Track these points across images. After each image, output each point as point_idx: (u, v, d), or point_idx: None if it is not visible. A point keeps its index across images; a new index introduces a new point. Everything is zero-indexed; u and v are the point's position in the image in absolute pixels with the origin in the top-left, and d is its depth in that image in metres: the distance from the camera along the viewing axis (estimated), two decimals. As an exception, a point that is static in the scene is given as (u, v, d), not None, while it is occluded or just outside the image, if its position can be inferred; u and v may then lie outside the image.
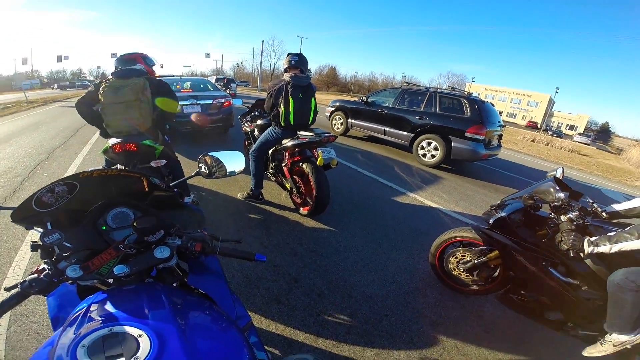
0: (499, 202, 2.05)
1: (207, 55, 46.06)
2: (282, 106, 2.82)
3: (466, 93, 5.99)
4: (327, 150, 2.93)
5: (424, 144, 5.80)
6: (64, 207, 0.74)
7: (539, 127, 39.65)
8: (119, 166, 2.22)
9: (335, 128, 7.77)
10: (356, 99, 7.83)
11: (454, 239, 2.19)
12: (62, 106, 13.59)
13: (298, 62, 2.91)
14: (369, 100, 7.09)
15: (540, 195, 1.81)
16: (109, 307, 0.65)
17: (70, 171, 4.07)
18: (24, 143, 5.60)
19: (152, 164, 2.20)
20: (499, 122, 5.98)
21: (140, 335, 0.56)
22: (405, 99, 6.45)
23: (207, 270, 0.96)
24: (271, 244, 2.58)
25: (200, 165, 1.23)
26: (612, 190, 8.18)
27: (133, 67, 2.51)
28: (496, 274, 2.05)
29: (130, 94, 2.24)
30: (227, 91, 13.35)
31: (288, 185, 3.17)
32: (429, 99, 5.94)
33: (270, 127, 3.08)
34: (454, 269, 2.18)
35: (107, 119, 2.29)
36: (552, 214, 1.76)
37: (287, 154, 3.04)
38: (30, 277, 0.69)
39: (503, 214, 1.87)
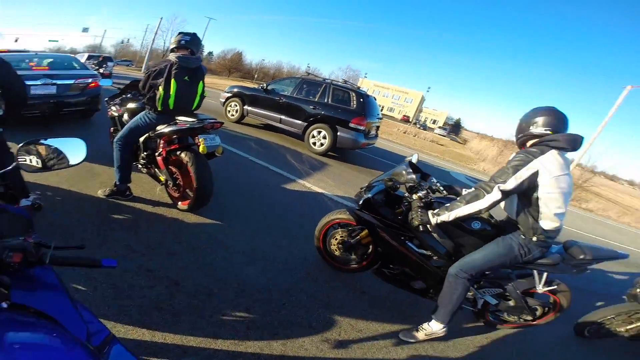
0: (367, 184, 2.27)
1: (85, 30, 36.27)
2: (160, 88, 2.52)
3: (356, 87, 6.66)
4: (211, 138, 2.72)
5: (314, 132, 6.24)
6: None
7: (410, 121, 47.26)
8: None
9: (229, 115, 7.51)
10: (256, 86, 7.73)
11: (334, 221, 2.36)
12: None
13: (190, 42, 2.65)
14: (269, 87, 7.08)
15: (395, 177, 2.05)
16: None
17: None
18: None
19: None
20: (378, 115, 6.94)
21: None
22: (303, 89, 6.71)
23: (39, 283, 0.79)
24: (141, 246, 2.21)
25: (26, 157, 1.00)
26: (458, 172, 10.66)
27: None
28: (370, 251, 2.29)
29: None
30: (101, 71, 11.12)
31: (162, 178, 2.80)
32: (324, 90, 6.36)
33: (144, 112, 2.71)
34: (336, 250, 2.36)
35: None
36: (407, 193, 2.03)
37: (162, 141, 2.69)
38: None
39: (369, 195, 2.12)
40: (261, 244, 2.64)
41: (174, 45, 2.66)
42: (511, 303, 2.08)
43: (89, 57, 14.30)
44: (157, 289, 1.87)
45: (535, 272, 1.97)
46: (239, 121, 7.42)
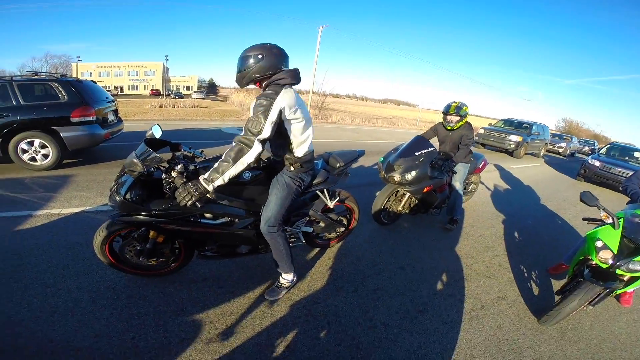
0: (114, 182, 1.88)
1: None
2: None
3: (58, 75, 5.01)
4: None
5: (23, 145, 4.45)
6: None
7: (161, 93, 42.93)
8: None
9: None
10: None
11: (112, 237, 1.95)
12: None
13: None
14: None
15: (131, 169, 1.71)
16: None
17: None
18: None
19: None
20: (107, 97, 5.71)
21: None
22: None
23: None
24: None
25: None
26: (229, 127, 11.09)
27: None
28: (176, 245, 2.08)
29: None
30: None
31: None
32: (3, 91, 4.39)
33: None
34: (141, 262, 2.04)
35: None
36: (164, 174, 1.75)
37: None
38: None
39: (120, 198, 1.74)
40: (43, 298, 2.00)
41: None
42: (322, 224, 2.34)
43: None
44: None
45: (318, 192, 2.22)
46: None
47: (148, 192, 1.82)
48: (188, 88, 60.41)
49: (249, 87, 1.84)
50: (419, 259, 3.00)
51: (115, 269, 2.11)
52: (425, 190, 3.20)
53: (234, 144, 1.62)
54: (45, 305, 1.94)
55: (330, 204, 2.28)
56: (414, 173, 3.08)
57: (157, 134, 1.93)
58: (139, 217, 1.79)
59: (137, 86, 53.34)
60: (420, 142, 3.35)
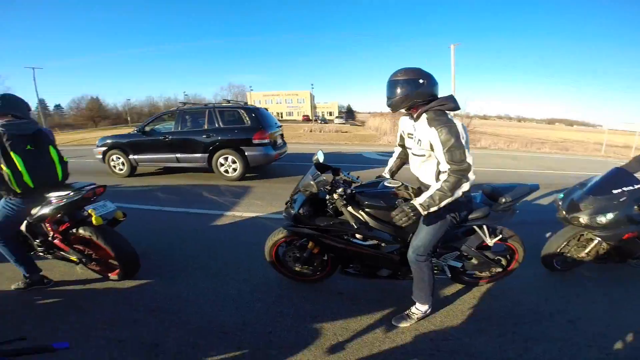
0: (290, 198, 2.21)
1: None
2: (3, 167, 2.02)
3: (242, 103, 6.42)
4: (100, 205, 2.37)
5: (221, 160, 5.80)
6: None
7: (311, 119, 49.42)
8: None
9: (117, 171, 6.40)
10: (131, 131, 6.72)
11: (278, 242, 2.28)
12: None
13: (2, 107, 2.10)
14: (146, 129, 6.27)
15: (307, 188, 1.98)
16: None
17: None
18: None
19: None
20: (276, 123, 6.82)
21: None
22: (187, 120, 6.13)
23: None
24: (99, 322, 2.02)
25: None
26: (369, 152, 11.43)
27: None
28: (325, 257, 2.26)
29: None
30: None
31: (74, 258, 2.41)
32: (209, 115, 5.92)
33: (3, 199, 2.17)
34: (295, 267, 2.30)
35: None
36: (327, 195, 1.99)
37: (48, 224, 2.29)
38: None
39: (294, 211, 2.06)
40: (220, 285, 2.47)
41: None
42: (474, 261, 2.14)
43: None
44: (139, 355, 1.77)
45: (475, 227, 2.04)
46: (132, 174, 6.39)
47: (314, 209, 2.07)
48: (330, 114, 67.42)
49: (395, 111, 1.81)
50: (599, 316, 2.15)
51: (274, 269, 2.41)
52: (625, 237, 2.37)
53: (448, 175, 1.60)
54: (220, 292, 2.37)
55: (490, 242, 2.05)
56: (610, 215, 2.32)
57: (321, 158, 2.19)
58: (306, 229, 2.07)
59: (292, 112, 63.56)
60: (621, 175, 2.49)
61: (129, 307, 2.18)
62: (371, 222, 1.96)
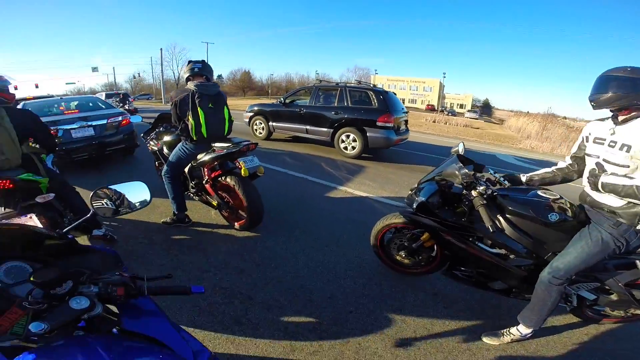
0: (416, 185, 2.10)
1: (94, 69, 39.45)
2: (190, 118, 2.56)
3: (372, 85, 6.47)
4: (249, 159, 2.81)
5: (343, 137, 6.08)
6: None
7: (436, 109, 45.62)
8: None
9: (257, 133, 7.59)
10: (274, 101, 7.78)
11: (390, 226, 2.23)
12: None
13: (202, 69, 2.68)
14: (287, 101, 7.12)
15: (448, 177, 1.88)
16: None
17: None
18: None
19: (38, 199, 1.82)
20: (403, 109, 6.65)
21: None
22: (320, 96, 6.65)
23: (143, 311, 0.87)
24: (212, 267, 2.38)
25: (99, 203, 1.08)
26: (505, 154, 9.89)
27: None
28: (434, 252, 2.14)
29: None
30: (126, 108, 11.66)
31: (215, 203, 2.91)
32: (340, 94, 6.24)
33: (181, 143, 2.79)
34: (397, 255, 2.26)
35: None
36: (464, 190, 1.84)
37: (205, 169, 2.79)
38: None
39: (422, 199, 1.93)
40: (318, 253, 2.64)
41: (188, 74, 2.69)
42: (614, 297, 1.78)
43: (107, 96, 14.14)
44: (234, 304, 2.00)
45: (638, 261, 1.67)
46: (268, 138, 7.46)
47: (442, 201, 1.95)
48: (461, 106, 60.50)
49: (598, 109, 1.53)
50: None
51: (375, 254, 2.40)
52: None
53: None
54: (318, 260, 2.54)
55: None
56: None
57: (462, 150, 2.03)
58: (428, 220, 1.93)
59: (415, 100, 60.09)
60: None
61: (239, 258, 2.50)
62: (508, 230, 1.76)
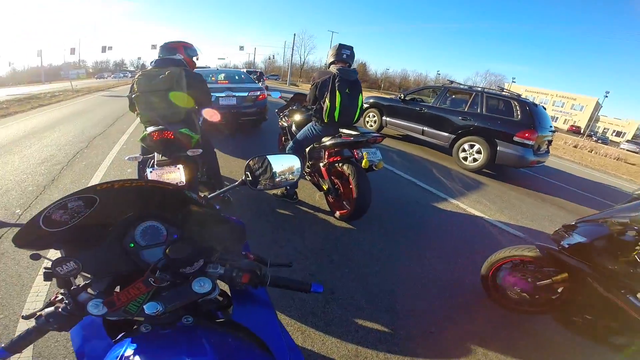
0: (573, 222, 1.84)
1: (241, 48, 47.03)
2: (327, 100, 2.63)
3: (516, 95, 5.56)
4: (372, 152, 2.74)
5: (465, 146, 5.46)
6: (80, 224, 0.61)
7: (582, 132, 36.94)
8: (155, 155, 2.20)
9: (368, 126, 7.56)
10: (390, 97, 7.56)
11: (514, 258, 2.00)
12: (104, 95, 14.30)
13: (350, 56, 2.73)
14: (406, 97, 6.81)
15: (636, 225, 1.54)
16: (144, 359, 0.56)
17: (107, 161, 4.16)
18: (67, 130, 5.90)
19: (189, 152, 2.16)
20: (551, 127, 5.52)
21: None
22: (447, 98, 6.15)
23: (255, 301, 0.83)
24: (306, 249, 2.44)
25: (248, 172, 1.03)
26: None
27: (172, 56, 2.47)
28: (556, 296, 1.88)
29: (163, 84, 2.21)
30: (260, 84, 13.23)
31: (325, 186, 2.98)
32: (474, 99, 5.58)
33: (311, 123, 2.91)
34: (512, 291, 1.99)
35: (140, 108, 2.28)
36: (635, 236, 1.53)
37: (326, 153, 2.88)
38: (47, 310, 0.60)
39: (584, 240, 1.68)
40: (414, 264, 2.47)
41: (334, 58, 2.74)
42: None
43: (248, 73, 16.01)
44: (315, 294, 1.91)
45: None
46: (378, 132, 7.34)
47: (607, 247, 1.64)
48: (619, 134, 47.35)
49: None
50: None
51: (482, 283, 2.13)
52: None
53: None
54: (411, 270, 2.38)
55: None
56: None
57: None
58: (581, 263, 1.68)
59: (557, 118, 49.71)
60: None
61: (333, 248, 2.47)
62: None
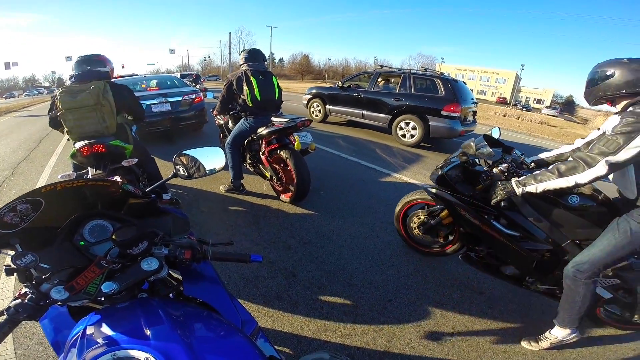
0: (442, 162, 2.12)
1: (171, 52, 43.76)
2: (245, 87, 2.80)
3: (438, 73, 6.05)
4: (303, 135, 2.96)
5: (402, 124, 5.82)
6: (31, 226, 0.67)
7: (508, 102, 41.16)
8: (89, 170, 2.11)
9: (314, 115, 7.67)
10: (332, 85, 7.74)
11: (413, 202, 2.29)
12: (19, 116, 12.61)
13: (250, 57, 2.95)
14: (344, 85, 7.03)
15: (465, 149, 1.87)
16: (106, 329, 0.60)
17: (40, 184, 3.79)
18: None
19: (124, 163, 2.07)
20: (472, 99, 6.12)
21: (146, 359, 0.53)
22: (380, 82, 6.46)
23: (202, 277, 0.90)
24: (263, 240, 2.51)
25: (177, 166, 1.14)
26: None
27: (97, 68, 2.38)
28: (453, 233, 2.16)
29: (89, 99, 2.15)
30: (197, 87, 12.62)
31: (268, 174, 3.14)
32: (403, 80, 5.96)
33: (243, 118, 3.04)
34: (416, 232, 2.30)
35: (68, 125, 2.19)
36: (486, 167, 1.81)
37: (263, 142, 3.02)
38: (14, 302, 0.64)
39: (441, 172, 1.97)
40: (365, 239, 2.62)
41: (242, 62, 2.99)
42: (632, 300, 1.67)
43: (182, 76, 14.77)
44: (278, 279, 2.07)
45: None
46: (324, 120, 7.52)
47: (464, 178, 1.93)
48: (539, 102, 53.56)
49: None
50: None
51: (396, 229, 2.45)
52: None
53: (570, 158, 1.47)
54: (363, 245, 2.54)
55: None
56: None
57: (496, 135, 2.04)
58: (447, 194, 1.93)
59: (485, 91, 54.66)
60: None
61: (289, 234, 2.59)
62: (525, 210, 1.69)
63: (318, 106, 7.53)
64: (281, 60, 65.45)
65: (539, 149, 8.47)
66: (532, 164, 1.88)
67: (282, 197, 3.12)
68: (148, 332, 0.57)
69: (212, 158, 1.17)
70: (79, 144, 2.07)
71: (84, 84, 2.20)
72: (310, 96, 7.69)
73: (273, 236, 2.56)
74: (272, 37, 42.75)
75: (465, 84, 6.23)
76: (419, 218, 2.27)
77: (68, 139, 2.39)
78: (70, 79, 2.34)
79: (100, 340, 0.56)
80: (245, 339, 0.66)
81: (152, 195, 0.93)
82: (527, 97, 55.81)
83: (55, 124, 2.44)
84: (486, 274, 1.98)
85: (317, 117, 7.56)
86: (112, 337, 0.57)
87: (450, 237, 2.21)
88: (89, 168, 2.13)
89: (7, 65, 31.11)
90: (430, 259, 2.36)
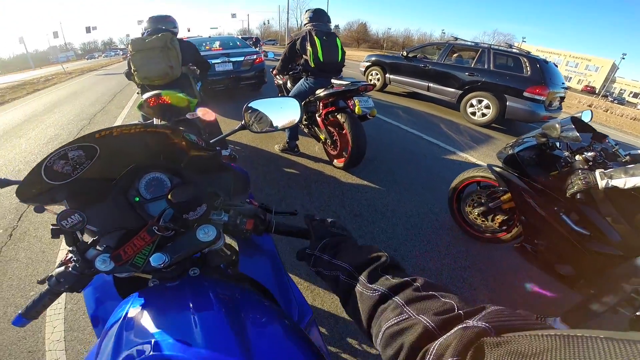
0: (514, 140, 1.88)
1: (233, 16, 44.73)
2: (308, 46, 2.74)
3: (525, 51, 5.26)
4: (364, 100, 2.77)
5: (473, 101, 5.23)
6: (83, 177, 0.56)
7: (597, 92, 35.52)
8: (154, 120, 2.14)
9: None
10: (392, 54, 7.22)
11: (472, 179, 2.07)
12: (98, 74, 13.98)
13: (314, 17, 2.85)
14: (410, 55, 6.47)
15: (547, 130, 1.62)
16: (148, 321, 0.51)
17: None
18: (67, 111, 5.84)
19: (188, 116, 2.11)
20: (563, 83, 5.29)
21: None
22: (452, 55, 5.85)
23: (261, 251, 0.79)
24: (313, 206, 2.42)
25: (247, 115, 0.99)
26: None
27: (167, 27, 2.56)
28: (512, 220, 1.93)
29: (157, 42, 2.34)
30: (257, 49, 12.77)
31: (322, 137, 3.05)
32: (480, 55, 5.32)
33: (303, 79, 2.98)
34: (470, 213, 2.08)
35: (136, 65, 2.38)
36: (567, 152, 1.57)
37: (321, 104, 2.92)
38: (57, 270, 0.58)
39: (512, 151, 1.75)
40: (422, 220, 2.39)
41: (306, 21, 2.91)
42: None
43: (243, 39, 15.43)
44: None
45: None
46: (382, 89, 7.13)
47: (538, 162, 1.71)
48: (636, 96, 45.47)
49: None
50: None
51: (449, 209, 2.26)
52: None
53: None
54: (419, 231, 2.27)
55: None
56: None
57: (586, 118, 1.79)
58: (514, 176, 1.73)
59: (570, 78, 47.73)
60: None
61: (339, 203, 2.46)
62: (603, 208, 1.44)
63: (377, 74, 7.10)
64: (337, 26, 63.50)
65: (631, 147, 7.18)
66: (627, 157, 1.55)
67: (335, 162, 3.02)
68: (198, 335, 0.47)
69: (287, 110, 1.02)
70: (146, 95, 2.11)
71: (153, 35, 2.39)
72: (368, 64, 7.26)
73: (323, 203, 2.46)
74: (328, 3, 41.13)
75: (556, 66, 5.37)
76: (478, 198, 2.04)
77: (137, 93, 2.58)
78: (142, 34, 2.54)
79: (139, 339, 0.47)
80: (300, 335, 0.56)
81: (218, 147, 0.81)
82: (621, 89, 47.86)
83: (129, 75, 2.62)
84: (539, 269, 1.75)
85: (375, 86, 7.16)
86: (153, 336, 0.47)
87: (505, 225, 1.97)
88: (153, 119, 2.16)
89: (88, 30, 34.34)
90: (490, 252, 2.09)
